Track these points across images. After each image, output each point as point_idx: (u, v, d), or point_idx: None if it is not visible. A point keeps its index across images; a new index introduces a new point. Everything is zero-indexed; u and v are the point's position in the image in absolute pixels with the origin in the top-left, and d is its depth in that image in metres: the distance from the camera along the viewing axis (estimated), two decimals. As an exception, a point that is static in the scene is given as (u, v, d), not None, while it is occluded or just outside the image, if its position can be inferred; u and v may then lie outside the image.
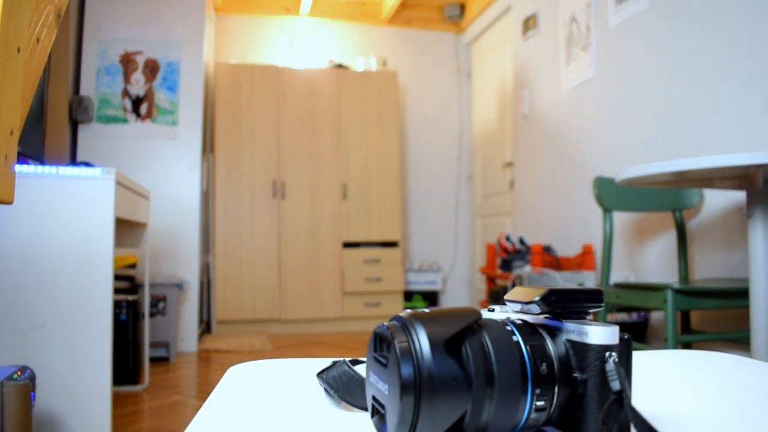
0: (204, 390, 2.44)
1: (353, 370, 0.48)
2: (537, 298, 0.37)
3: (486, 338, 0.36)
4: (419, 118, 4.76)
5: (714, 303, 1.86)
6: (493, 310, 0.42)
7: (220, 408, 0.48)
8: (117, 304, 2.32)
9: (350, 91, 4.19)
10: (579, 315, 0.38)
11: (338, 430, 0.42)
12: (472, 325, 0.36)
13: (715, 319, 2.20)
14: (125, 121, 3.29)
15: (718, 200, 2.20)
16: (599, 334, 0.36)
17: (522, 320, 0.39)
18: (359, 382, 0.47)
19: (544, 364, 0.36)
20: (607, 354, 0.36)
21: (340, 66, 4.34)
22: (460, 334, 0.35)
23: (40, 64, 0.73)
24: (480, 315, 0.37)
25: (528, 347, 0.36)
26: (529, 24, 3.61)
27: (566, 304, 0.38)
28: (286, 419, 0.45)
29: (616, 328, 0.37)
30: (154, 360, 2.91)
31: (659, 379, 0.59)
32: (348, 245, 4.10)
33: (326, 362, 0.56)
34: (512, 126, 3.90)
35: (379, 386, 0.37)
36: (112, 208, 1.67)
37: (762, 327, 1.46)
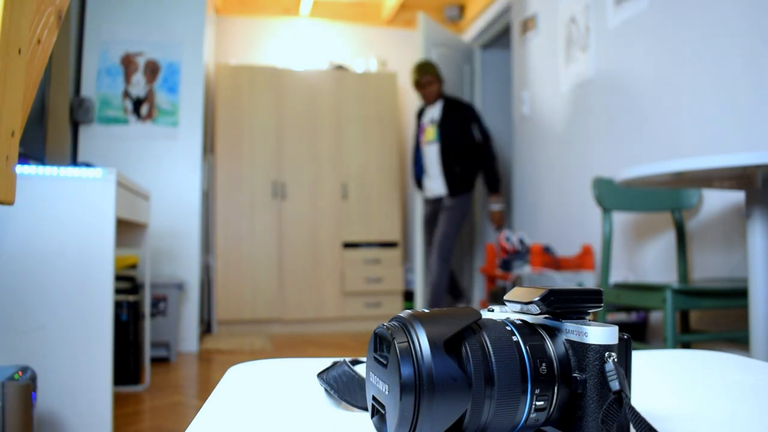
0: (204, 390, 2.44)
1: (353, 370, 0.48)
2: (536, 299, 0.37)
3: (486, 338, 0.36)
4: (419, 118, 4.76)
5: (713, 303, 1.86)
6: (492, 310, 0.42)
7: (221, 408, 0.48)
8: (118, 305, 2.32)
9: (350, 92, 4.19)
10: (578, 315, 0.38)
11: (338, 430, 0.42)
12: (471, 326, 0.37)
13: (714, 318, 2.21)
14: (126, 122, 3.29)
15: (717, 200, 2.20)
16: (598, 334, 0.36)
17: (521, 320, 0.39)
18: (359, 382, 0.47)
19: (543, 364, 0.36)
20: (607, 354, 0.36)
21: (339, 67, 4.34)
22: (460, 335, 0.36)
23: (41, 65, 0.73)
24: (480, 315, 0.37)
25: (527, 347, 0.37)
26: (528, 25, 3.61)
27: (565, 305, 0.38)
28: (286, 419, 0.45)
29: (616, 328, 0.37)
30: (154, 360, 2.91)
31: (658, 378, 0.59)
32: (348, 245, 4.10)
33: (326, 362, 0.56)
34: (512, 126, 3.90)
35: (379, 386, 0.37)
36: (113, 209, 1.67)
37: (761, 327, 1.46)
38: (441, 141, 3.51)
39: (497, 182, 3.57)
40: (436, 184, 3.61)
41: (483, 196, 4.57)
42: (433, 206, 3.66)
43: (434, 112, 3.61)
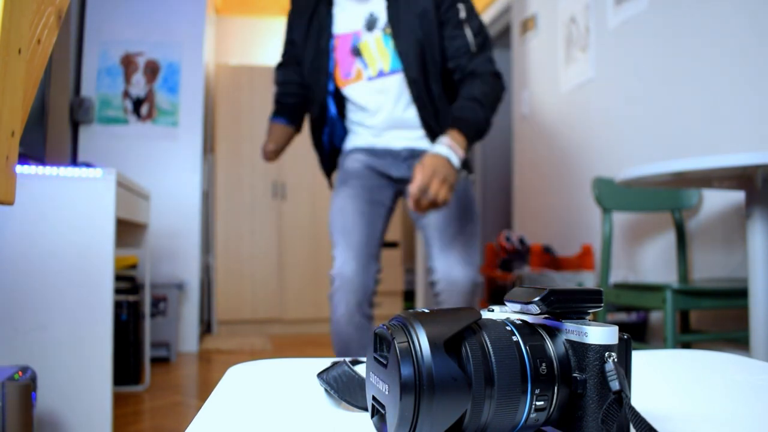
0: (204, 390, 2.44)
1: (353, 370, 0.48)
2: (536, 299, 0.37)
3: (486, 338, 0.36)
4: (419, 118, 4.76)
5: (713, 303, 1.86)
6: (492, 310, 0.42)
7: (221, 408, 0.48)
8: (118, 305, 2.32)
9: (350, 92, 4.18)
10: (578, 315, 0.38)
11: (338, 430, 0.42)
12: (471, 325, 0.36)
13: (714, 318, 2.21)
14: (126, 122, 3.29)
15: (716, 200, 2.20)
16: (598, 334, 0.36)
17: (521, 320, 0.39)
18: (359, 382, 0.47)
19: (543, 364, 0.36)
20: (607, 354, 0.36)
21: (340, 66, 4.33)
22: (460, 334, 0.36)
23: (41, 65, 0.73)
24: (480, 315, 0.37)
25: (527, 347, 0.37)
26: (528, 25, 3.61)
27: (565, 305, 0.38)
28: (286, 419, 0.45)
29: (616, 328, 0.37)
30: (154, 360, 2.91)
31: (658, 378, 0.59)
32: (348, 246, 4.10)
33: (326, 362, 0.56)
34: (512, 126, 3.90)
35: (379, 386, 0.37)
36: (112, 209, 1.67)
37: (761, 327, 1.46)
38: (408, 61, 1.58)
39: (483, 131, 1.58)
40: (403, 134, 1.74)
41: (487, 196, 4.55)
42: (392, 166, 1.79)
43: (370, 4, 1.61)
